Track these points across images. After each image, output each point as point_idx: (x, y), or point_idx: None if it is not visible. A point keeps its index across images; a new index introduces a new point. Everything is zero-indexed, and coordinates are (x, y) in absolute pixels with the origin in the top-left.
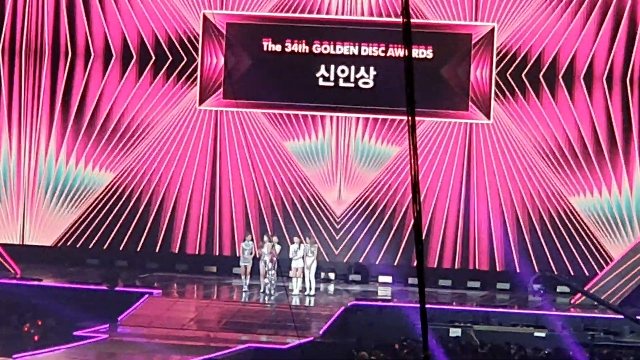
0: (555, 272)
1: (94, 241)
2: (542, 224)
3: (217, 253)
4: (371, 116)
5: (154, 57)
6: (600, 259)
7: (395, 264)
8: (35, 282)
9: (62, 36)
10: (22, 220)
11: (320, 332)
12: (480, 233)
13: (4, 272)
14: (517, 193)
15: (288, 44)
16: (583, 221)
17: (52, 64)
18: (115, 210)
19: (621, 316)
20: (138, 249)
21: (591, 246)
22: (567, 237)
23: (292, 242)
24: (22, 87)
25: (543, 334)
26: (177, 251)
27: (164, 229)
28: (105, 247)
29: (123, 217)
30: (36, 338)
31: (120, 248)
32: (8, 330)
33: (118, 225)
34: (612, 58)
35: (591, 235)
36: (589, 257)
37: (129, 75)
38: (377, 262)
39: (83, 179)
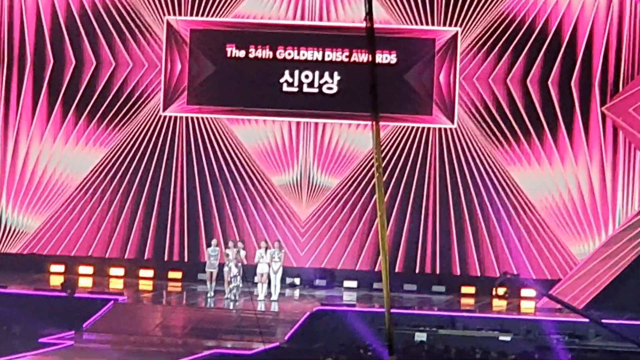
0: (520, 275)
1: (57, 247)
2: (506, 227)
3: (183, 259)
4: (335, 121)
5: (113, 64)
6: (564, 262)
7: (360, 268)
8: (0, 290)
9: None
10: None
11: (286, 337)
12: (444, 237)
13: None
14: (481, 197)
15: (252, 50)
16: (547, 224)
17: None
18: (80, 215)
19: (586, 319)
20: (105, 255)
21: (555, 249)
22: (531, 241)
23: (259, 247)
24: None
25: (508, 338)
26: (142, 257)
27: (129, 234)
28: (69, 253)
29: (89, 223)
30: (1, 345)
31: (84, 254)
32: None
33: (81, 232)
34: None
35: (555, 238)
36: (554, 260)
37: (100, 82)
38: (341, 267)
39: (48, 184)
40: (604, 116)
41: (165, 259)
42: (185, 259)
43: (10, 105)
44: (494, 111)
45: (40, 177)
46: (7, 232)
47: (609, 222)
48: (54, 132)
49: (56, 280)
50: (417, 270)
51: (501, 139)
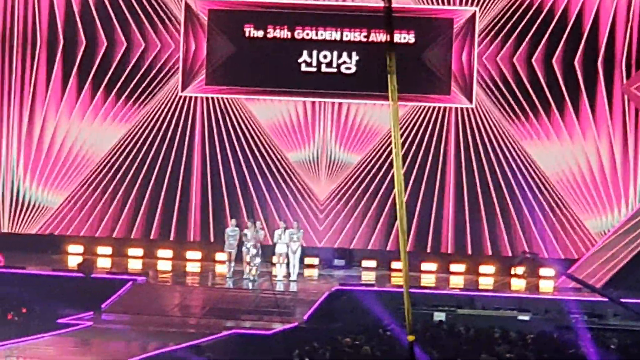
0: (539, 254)
1: (76, 228)
2: (527, 206)
3: (202, 239)
4: (354, 101)
5: (142, 44)
6: (583, 240)
7: (379, 248)
8: (19, 270)
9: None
10: (5, 207)
11: (305, 317)
12: (463, 216)
13: None
14: (499, 176)
15: (270, 30)
16: (567, 203)
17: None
18: (98, 196)
19: (605, 298)
20: (121, 235)
21: (574, 228)
22: (552, 219)
23: (277, 228)
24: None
25: (527, 317)
26: (160, 237)
27: (147, 215)
28: (86, 234)
29: (102, 203)
30: (20, 326)
31: (102, 234)
32: None
33: (99, 212)
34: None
35: (574, 216)
36: (574, 238)
37: (119, 63)
38: (360, 247)
39: (64, 166)
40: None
41: (187, 239)
42: (204, 239)
43: (35, 85)
44: (512, 90)
45: (60, 153)
46: (29, 208)
47: (630, 199)
48: (72, 107)
49: (74, 261)
50: (435, 250)
51: (520, 117)
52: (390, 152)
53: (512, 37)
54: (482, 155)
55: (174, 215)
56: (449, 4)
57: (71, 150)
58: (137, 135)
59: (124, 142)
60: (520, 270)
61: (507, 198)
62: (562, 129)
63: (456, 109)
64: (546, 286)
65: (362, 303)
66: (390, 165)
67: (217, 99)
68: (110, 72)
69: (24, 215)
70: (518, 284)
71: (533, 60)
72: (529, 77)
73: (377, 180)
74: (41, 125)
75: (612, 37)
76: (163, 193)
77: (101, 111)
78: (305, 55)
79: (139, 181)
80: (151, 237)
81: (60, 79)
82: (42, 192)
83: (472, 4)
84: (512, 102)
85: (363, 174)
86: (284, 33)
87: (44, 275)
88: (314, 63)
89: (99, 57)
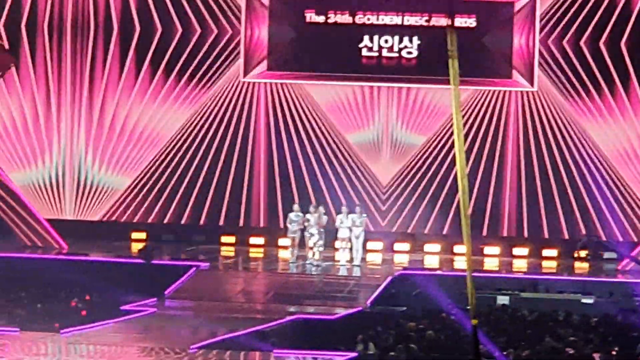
0: (603, 238)
1: (140, 214)
2: (588, 189)
3: (264, 224)
4: (415, 85)
5: (201, 30)
6: None
7: (443, 232)
8: (83, 257)
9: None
10: (69, 194)
11: (368, 302)
12: (525, 200)
13: (51, 248)
14: (563, 159)
15: (331, 15)
16: (629, 185)
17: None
18: (159, 183)
19: None
20: (185, 222)
21: (638, 211)
22: (614, 202)
23: (339, 212)
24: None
25: (591, 301)
26: (223, 223)
27: (210, 201)
28: (151, 220)
29: (168, 190)
30: (84, 313)
31: (166, 221)
32: (56, 306)
33: (163, 199)
34: None
35: (638, 200)
36: (636, 221)
37: (176, 49)
38: (423, 231)
39: (128, 154)
40: None
41: (249, 224)
42: (267, 225)
43: (100, 67)
44: (575, 72)
45: (131, 136)
46: (96, 192)
47: None
48: (143, 93)
49: (137, 248)
50: (496, 234)
51: (582, 99)
52: (452, 136)
53: (574, 20)
54: (542, 138)
55: (241, 201)
56: None
57: (141, 133)
58: (202, 120)
59: (189, 126)
60: (583, 253)
61: (568, 182)
62: (626, 109)
63: (517, 92)
64: (610, 269)
65: (426, 287)
66: (452, 148)
67: (279, 84)
68: (176, 59)
69: (90, 200)
70: (581, 267)
71: (598, 42)
72: (591, 59)
73: (437, 163)
74: (113, 111)
75: None
76: (227, 180)
77: (171, 96)
78: (366, 40)
79: (205, 167)
80: (219, 223)
81: (133, 66)
82: (110, 176)
83: None
84: (575, 84)
85: (424, 157)
86: (345, 18)
87: (108, 261)
88: (375, 48)
89: (170, 44)
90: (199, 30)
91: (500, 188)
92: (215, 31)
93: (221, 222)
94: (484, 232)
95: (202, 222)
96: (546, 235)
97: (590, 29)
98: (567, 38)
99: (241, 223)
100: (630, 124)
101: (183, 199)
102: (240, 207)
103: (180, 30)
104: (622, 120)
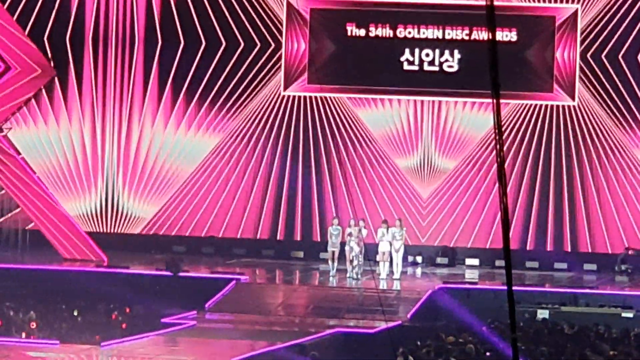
0: None
1: (180, 228)
2: (629, 203)
3: (304, 238)
4: (456, 99)
5: (242, 44)
6: None
7: (483, 246)
8: (123, 270)
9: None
10: (109, 208)
11: (409, 315)
12: (566, 215)
13: (92, 261)
14: (604, 173)
15: (372, 29)
16: None
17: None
18: (199, 196)
19: None
20: (227, 235)
21: None
22: None
23: (380, 227)
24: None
25: (631, 315)
26: (264, 237)
27: (250, 214)
28: (191, 233)
29: (207, 203)
30: (124, 326)
31: (207, 234)
32: (96, 319)
33: (202, 211)
34: None
35: None
36: None
37: (218, 63)
38: (463, 245)
39: (167, 169)
40: None
41: (289, 238)
42: (307, 238)
43: (127, 89)
44: (616, 88)
45: (155, 164)
46: (124, 218)
47: None
48: (168, 116)
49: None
50: (539, 248)
51: (624, 116)
52: (492, 152)
53: (615, 34)
54: (584, 153)
55: (280, 215)
56: (550, 1)
57: (168, 158)
58: (240, 135)
59: (227, 142)
60: (624, 267)
61: (609, 196)
62: None
63: (558, 106)
64: None
65: (466, 301)
66: (493, 165)
67: (319, 97)
68: (220, 72)
69: (123, 222)
70: (622, 281)
71: (638, 57)
72: (633, 75)
73: (478, 178)
74: (139, 134)
75: None
76: (268, 193)
77: (198, 118)
78: (407, 54)
79: (244, 180)
80: (258, 236)
81: (156, 84)
82: (136, 202)
83: (574, 2)
84: (616, 99)
85: (465, 172)
86: (386, 31)
87: (148, 274)
88: (416, 61)
89: (214, 57)
90: (237, 43)
91: (543, 202)
92: (256, 44)
93: (262, 236)
94: (525, 247)
95: (243, 235)
96: (584, 249)
97: (630, 43)
98: (607, 52)
99: (282, 237)
100: None
101: (223, 211)
102: (282, 220)
103: (224, 43)
104: None
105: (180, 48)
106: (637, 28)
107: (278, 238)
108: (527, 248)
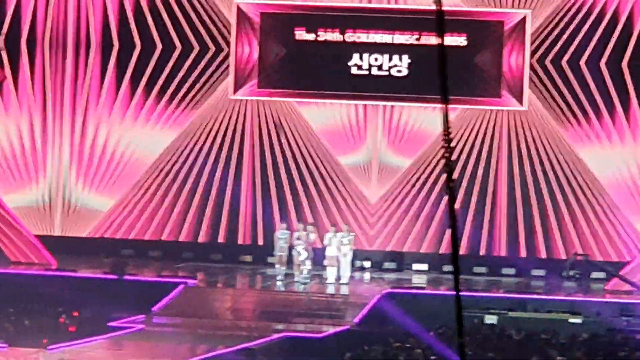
0: (590, 257)
1: (128, 231)
2: (577, 208)
3: (252, 242)
4: (405, 104)
5: (198, 48)
6: (634, 242)
7: (430, 251)
8: (71, 273)
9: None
10: (56, 211)
11: (356, 320)
12: (514, 219)
13: (40, 264)
14: (551, 179)
15: (321, 33)
16: (617, 205)
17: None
18: (149, 199)
19: None
20: (171, 239)
21: (626, 230)
22: (601, 222)
23: (328, 231)
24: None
25: (579, 320)
26: (211, 241)
27: (197, 218)
28: (139, 237)
29: (158, 206)
30: (72, 329)
31: (152, 237)
32: (44, 322)
33: (154, 215)
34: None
35: (624, 219)
36: (624, 241)
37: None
38: (411, 250)
39: (116, 169)
40: None
41: (237, 242)
42: (254, 243)
43: (89, 89)
44: (563, 93)
45: (112, 157)
46: (78, 212)
47: None
48: (124, 111)
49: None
50: (487, 253)
51: (571, 120)
52: (442, 155)
53: (563, 40)
54: (534, 157)
55: (224, 218)
56: (501, 6)
57: (123, 154)
58: (188, 138)
59: (175, 145)
60: (571, 272)
61: (560, 200)
62: (613, 132)
63: (507, 111)
64: (598, 288)
65: (413, 306)
66: (441, 168)
67: (268, 102)
68: (161, 76)
69: (76, 219)
70: (570, 286)
71: (583, 62)
72: (580, 80)
73: (428, 183)
74: (94, 131)
75: None
76: (215, 197)
77: (153, 115)
78: (356, 58)
79: (187, 185)
80: (199, 240)
81: (113, 83)
82: (93, 196)
83: (523, 6)
84: (564, 104)
85: (414, 177)
86: (335, 36)
87: (95, 278)
88: (365, 66)
89: (152, 60)
90: (188, 47)
91: (492, 207)
92: (206, 48)
93: (209, 239)
94: (472, 252)
95: (190, 239)
96: (536, 255)
97: (577, 49)
98: (555, 58)
99: (229, 240)
100: (616, 145)
101: (172, 215)
102: (228, 224)
103: (180, 47)
104: (608, 142)
105: (137, 51)
106: (582, 33)
107: (226, 242)
108: (475, 254)
